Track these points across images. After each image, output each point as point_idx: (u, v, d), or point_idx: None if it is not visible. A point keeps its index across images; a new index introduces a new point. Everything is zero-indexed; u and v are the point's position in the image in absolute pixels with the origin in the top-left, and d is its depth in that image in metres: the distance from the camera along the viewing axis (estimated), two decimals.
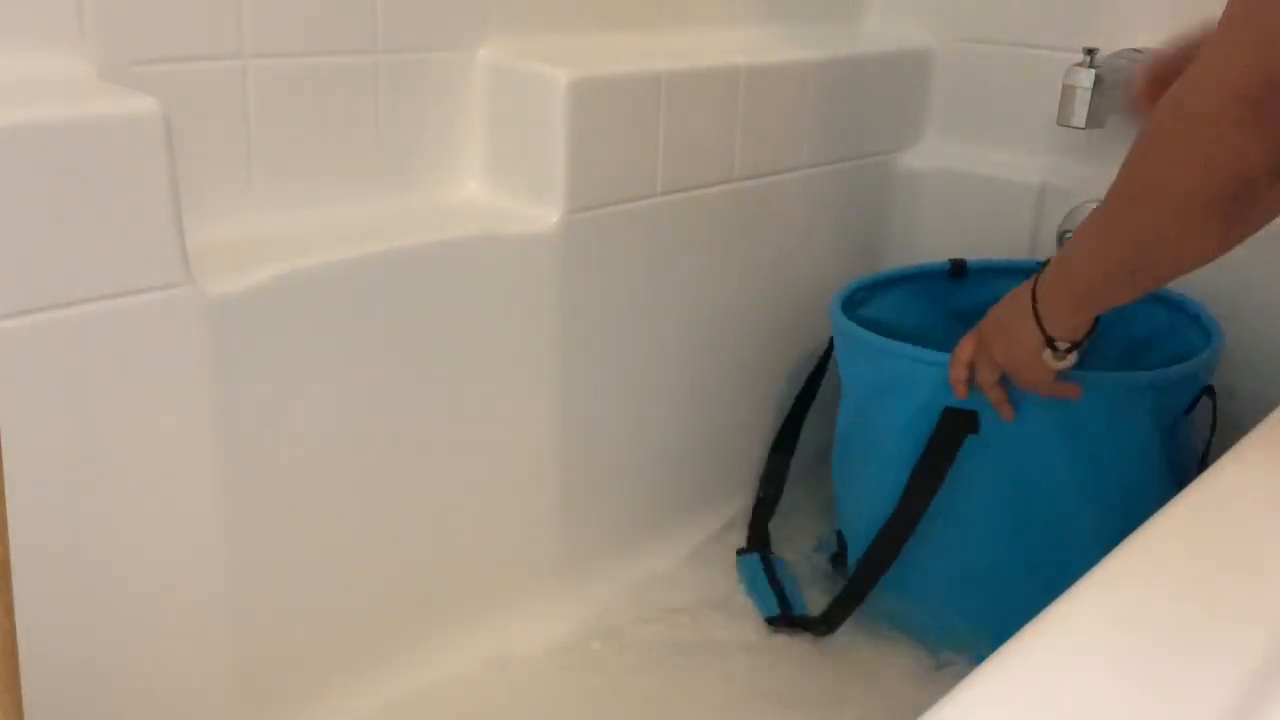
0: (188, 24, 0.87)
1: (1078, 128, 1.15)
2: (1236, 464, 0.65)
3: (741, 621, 1.14)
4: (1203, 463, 1.10)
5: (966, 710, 0.43)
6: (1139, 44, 1.22)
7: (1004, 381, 0.99)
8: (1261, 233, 0.74)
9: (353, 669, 1.00)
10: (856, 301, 1.21)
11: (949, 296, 1.25)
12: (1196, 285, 1.14)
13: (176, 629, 0.86)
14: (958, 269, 1.25)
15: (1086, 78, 1.13)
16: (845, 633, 1.11)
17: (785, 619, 1.14)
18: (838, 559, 1.20)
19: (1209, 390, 1.07)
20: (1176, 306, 1.15)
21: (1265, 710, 0.44)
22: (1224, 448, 0.69)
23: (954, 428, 1.03)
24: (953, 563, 1.09)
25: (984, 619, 1.08)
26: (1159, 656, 0.47)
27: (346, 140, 0.98)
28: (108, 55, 0.84)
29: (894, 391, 1.08)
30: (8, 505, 0.75)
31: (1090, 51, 1.15)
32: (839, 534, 1.19)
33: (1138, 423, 1.02)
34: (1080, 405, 1.00)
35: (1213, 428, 1.09)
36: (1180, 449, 1.08)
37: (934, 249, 1.39)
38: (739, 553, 1.25)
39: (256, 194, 0.94)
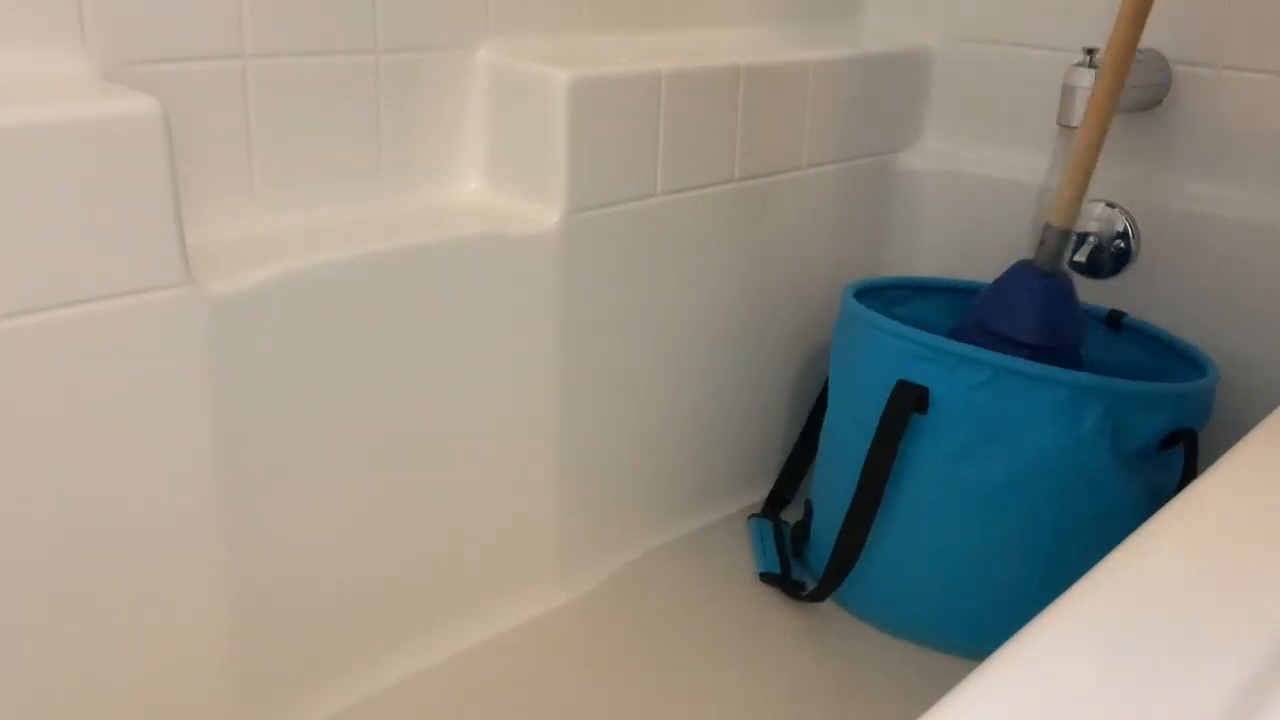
0: (188, 24, 0.87)
1: (1078, 128, 1.15)
2: (1237, 464, 0.65)
3: (736, 616, 1.14)
4: None
5: (966, 710, 0.43)
6: (1139, 44, 1.22)
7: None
8: None
9: (352, 666, 1.00)
10: (893, 299, 1.25)
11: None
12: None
13: (176, 628, 0.86)
14: None
15: (1086, 78, 1.13)
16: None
17: (778, 579, 1.18)
18: (800, 526, 1.23)
19: (1189, 434, 1.05)
20: (1182, 354, 1.16)
21: (1265, 711, 0.44)
22: None
23: (904, 402, 1.04)
24: (909, 547, 1.10)
25: (937, 608, 1.11)
26: (1159, 657, 0.47)
27: (346, 140, 0.98)
28: (108, 55, 0.84)
29: (865, 363, 1.11)
30: (8, 504, 0.75)
31: (1090, 51, 1.15)
32: (808, 502, 1.22)
33: (1088, 435, 1.01)
34: (1025, 399, 1.01)
35: (1184, 475, 1.07)
36: (1146, 483, 1.06)
37: (934, 249, 1.40)
38: (750, 517, 1.30)
39: (256, 194, 0.94)
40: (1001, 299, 1.11)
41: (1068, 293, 1.11)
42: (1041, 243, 1.10)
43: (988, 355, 1.02)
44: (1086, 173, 1.08)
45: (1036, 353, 1.08)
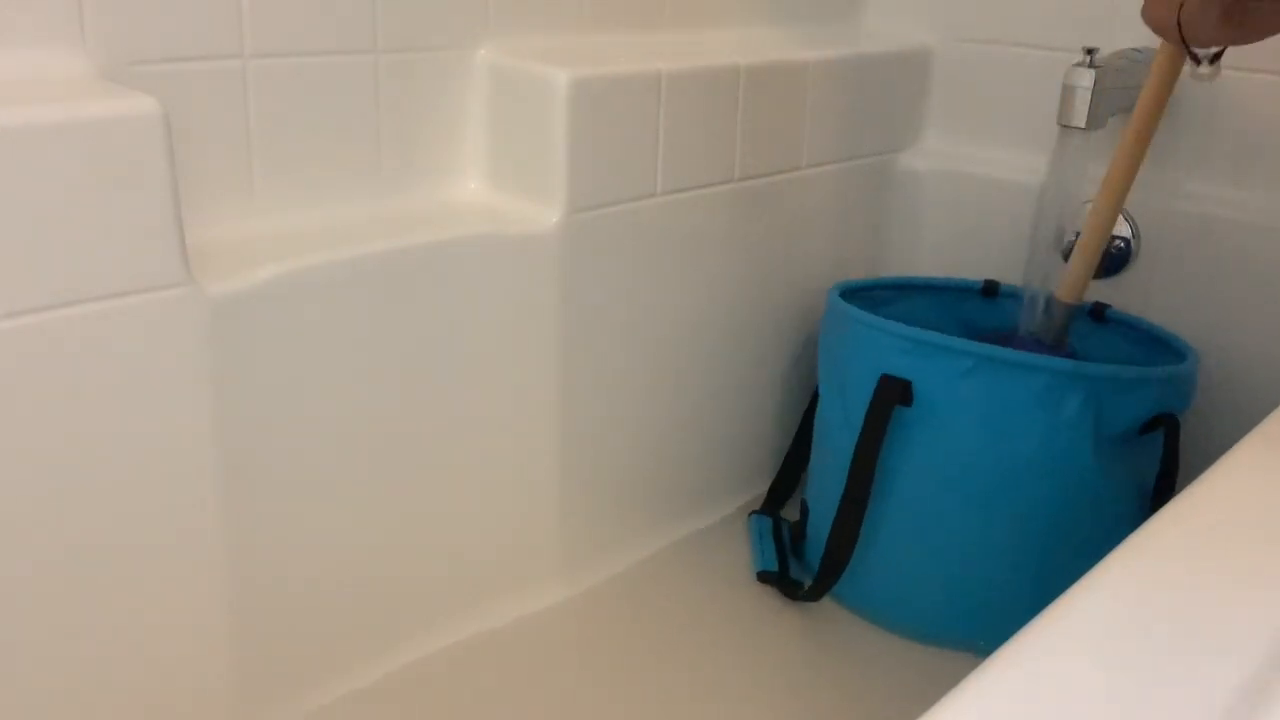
0: (188, 24, 0.87)
1: (1078, 128, 1.15)
2: (1237, 464, 0.65)
3: (736, 616, 1.14)
4: (1156, 496, 1.08)
5: (966, 710, 0.43)
6: (1139, 44, 1.22)
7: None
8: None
9: (352, 666, 1.00)
10: (881, 299, 1.26)
11: (977, 314, 1.28)
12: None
13: (176, 627, 0.86)
14: (990, 289, 1.28)
15: (1086, 78, 1.13)
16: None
17: (774, 577, 1.18)
18: (798, 524, 1.23)
19: (1170, 420, 1.06)
20: (1163, 343, 1.17)
21: (1265, 711, 0.44)
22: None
23: (887, 395, 1.05)
24: (901, 541, 1.10)
25: (931, 601, 1.11)
26: (1159, 657, 0.47)
27: (346, 140, 0.98)
28: (108, 55, 0.84)
29: (850, 359, 1.11)
30: (7, 503, 0.75)
31: (1090, 51, 1.15)
32: (804, 500, 1.23)
33: (1070, 421, 1.02)
34: (1007, 387, 1.02)
35: (1164, 460, 1.07)
36: (1128, 469, 1.07)
37: (934, 249, 1.40)
38: (751, 514, 1.30)
39: (256, 194, 0.94)
40: None
41: None
42: (1046, 314, 1.13)
43: (968, 345, 1.03)
44: (1096, 252, 1.11)
45: None
